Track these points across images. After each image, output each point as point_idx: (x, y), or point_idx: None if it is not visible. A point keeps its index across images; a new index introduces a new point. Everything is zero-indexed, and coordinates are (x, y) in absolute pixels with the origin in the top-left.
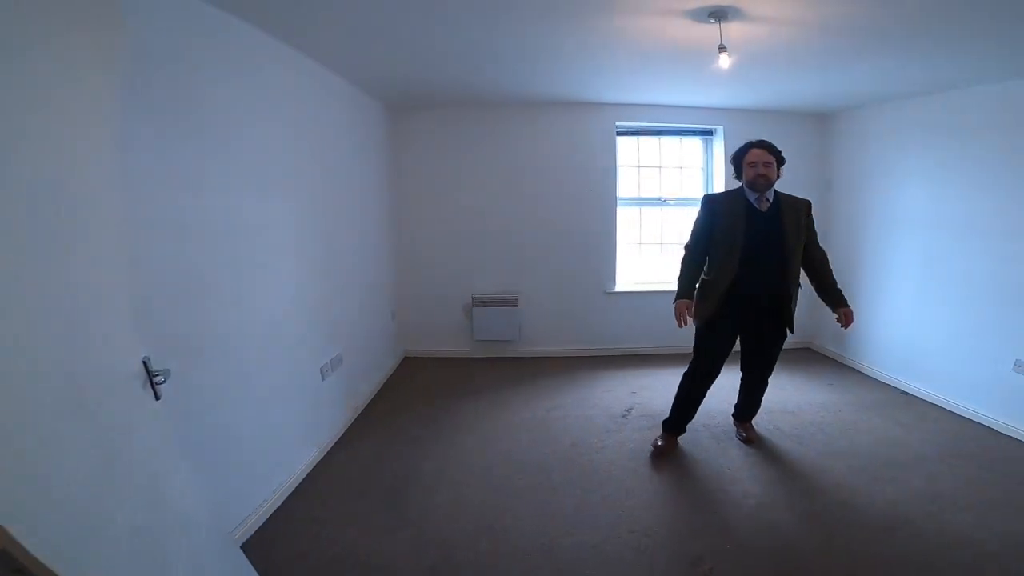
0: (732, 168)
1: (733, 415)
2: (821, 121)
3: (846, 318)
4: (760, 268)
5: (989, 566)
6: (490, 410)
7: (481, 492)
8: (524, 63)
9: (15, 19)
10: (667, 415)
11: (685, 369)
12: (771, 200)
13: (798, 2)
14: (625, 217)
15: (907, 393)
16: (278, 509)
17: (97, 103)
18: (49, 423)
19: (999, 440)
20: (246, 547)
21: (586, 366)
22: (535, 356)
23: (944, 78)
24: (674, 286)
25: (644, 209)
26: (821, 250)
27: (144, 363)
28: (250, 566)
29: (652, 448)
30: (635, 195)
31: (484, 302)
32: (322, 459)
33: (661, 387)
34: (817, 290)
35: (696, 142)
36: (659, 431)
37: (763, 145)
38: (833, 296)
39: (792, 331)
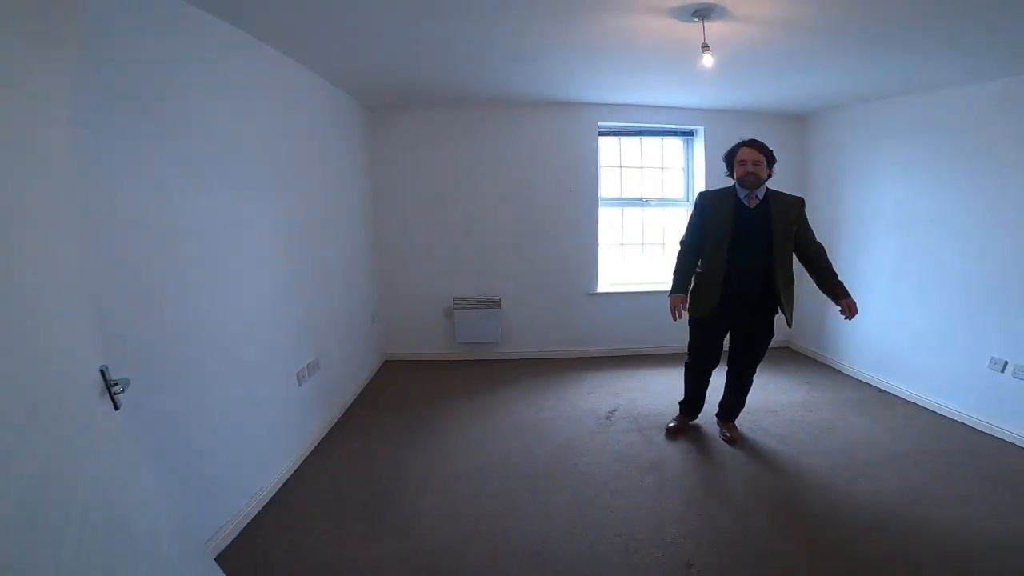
0: (725, 167)
1: (717, 415)
2: (799, 122)
3: (849, 310)
4: (747, 264)
5: (976, 565)
6: (474, 414)
7: (467, 498)
8: (506, 62)
9: None
10: (651, 416)
11: (667, 370)
12: (760, 198)
13: (781, 1)
14: (607, 218)
15: (884, 391)
16: (254, 519)
17: (47, 98)
18: None
19: (976, 437)
20: (221, 559)
21: (569, 368)
22: (518, 358)
23: (917, 80)
24: (655, 287)
25: (626, 209)
26: (817, 245)
27: (102, 372)
28: None
29: (667, 428)
30: (617, 195)
31: (466, 304)
32: (300, 467)
33: (644, 388)
34: (818, 284)
35: (677, 142)
36: (643, 433)
37: (753, 144)
38: (834, 289)
39: (790, 325)
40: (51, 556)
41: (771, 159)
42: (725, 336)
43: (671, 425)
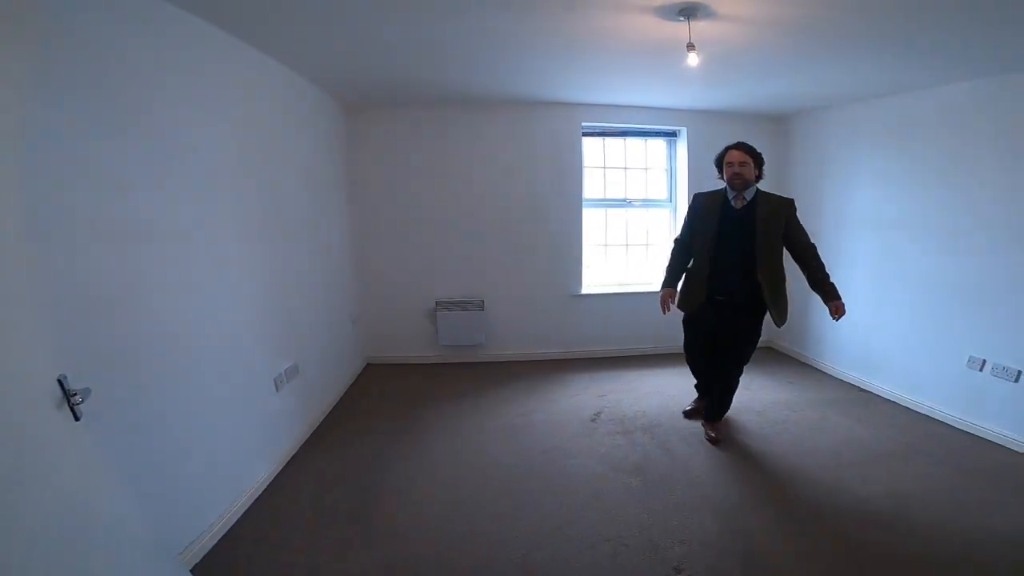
0: (716, 170)
1: (704, 415)
2: (778, 123)
3: (836, 311)
4: (730, 263)
5: (963, 564)
6: (458, 418)
7: (451, 505)
8: (489, 61)
9: None
10: (636, 418)
11: (651, 371)
12: (748, 199)
13: (766, 1)
14: (591, 219)
15: (865, 390)
16: (232, 528)
17: None
18: None
19: (957, 435)
20: (196, 570)
21: (554, 370)
22: (502, 360)
23: (893, 81)
24: (639, 288)
25: (609, 210)
26: (808, 245)
27: (60, 382)
28: None
29: (684, 411)
30: (600, 196)
31: (448, 306)
32: (278, 475)
33: (628, 390)
34: (809, 284)
35: (660, 143)
36: (628, 436)
37: (740, 147)
38: (823, 289)
39: (778, 325)
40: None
41: (758, 160)
42: (712, 334)
43: (688, 408)
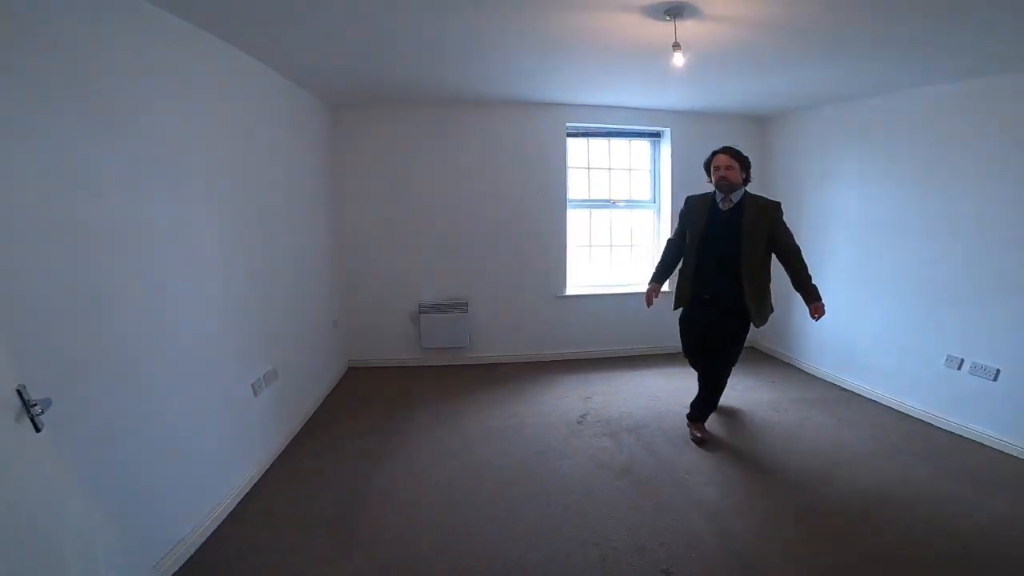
0: (706, 174)
1: (687, 415)
2: (760, 124)
3: (815, 312)
4: (715, 263)
5: (950, 563)
6: (443, 421)
7: (437, 510)
8: (473, 61)
9: None
10: (623, 419)
11: (637, 372)
12: (735, 201)
13: (752, 1)
14: (575, 219)
15: (846, 390)
16: (210, 538)
17: None
18: None
19: (937, 434)
20: None
21: (539, 371)
22: (487, 363)
23: (876, 82)
24: (624, 289)
25: (594, 211)
26: (793, 248)
27: (19, 392)
28: None
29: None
30: (585, 197)
31: (432, 308)
32: (259, 481)
33: (614, 391)
34: (792, 285)
35: (644, 144)
36: (615, 438)
37: (726, 151)
38: (805, 290)
39: (757, 324)
40: None
41: (744, 164)
42: (703, 333)
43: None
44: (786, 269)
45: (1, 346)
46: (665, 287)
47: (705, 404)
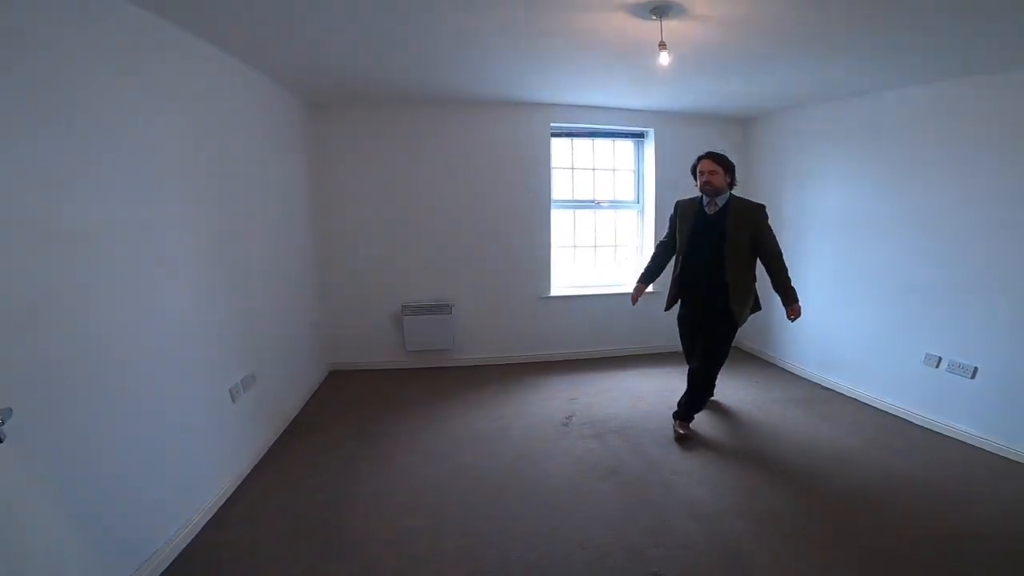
0: (693, 179)
1: (674, 413)
2: (743, 125)
3: (792, 313)
4: (702, 265)
5: (934, 559)
6: (427, 424)
7: (423, 515)
8: (457, 61)
9: None
10: (608, 420)
11: (621, 372)
12: (720, 205)
13: (737, 1)
14: (559, 220)
15: (828, 388)
16: (191, 544)
17: None
18: None
19: (916, 431)
20: None
21: (524, 373)
22: (471, 365)
23: (856, 83)
24: (608, 289)
25: (578, 211)
26: (774, 250)
27: None
28: None
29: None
30: (569, 197)
31: (416, 310)
32: (239, 487)
33: (599, 392)
34: (772, 286)
35: (628, 144)
36: (601, 439)
37: (710, 156)
38: (783, 293)
39: (735, 322)
40: None
41: (728, 168)
42: (695, 331)
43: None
44: (767, 270)
45: None
46: (651, 288)
47: (690, 403)
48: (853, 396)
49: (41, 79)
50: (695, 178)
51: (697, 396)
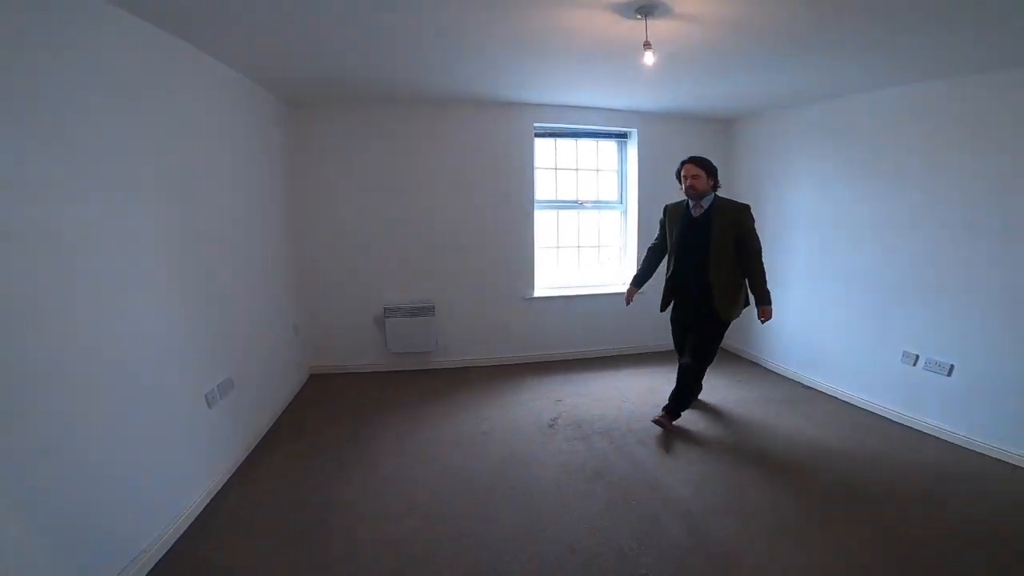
0: (678, 182)
1: (664, 406)
2: (724, 125)
3: (762, 314)
4: (689, 265)
5: (918, 558)
6: (412, 428)
7: (409, 520)
8: (439, 60)
9: None
10: (594, 422)
11: (606, 373)
12: (706, 206)
13: (721, 1)
14: (542, 220)
15: (809, 387)
16: (167, 554)
17: None
18: None
19: (895, 429)
20: None
21: (508, 375)
22: (455, 367)
23: (836, 84)
24: (591, 290)
25: (561, 212)
26: (753, 251)
27: None
28: None
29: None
30: (552, 198)
31: (398, 312)
32: (218, 495)
33: (584, 393)
34: (748, 286)
35: (611, 145)
36: (587, 441)
37: (692, 160)
38: (757, 293)
39: (720, 318)
40: None
41: (710, 171)
42: (688, 329)
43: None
44: (744, 269)
45: None
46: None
47: (677, 396)
48: (834, 394)
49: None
50: (680, 182)
51: (685, 391)
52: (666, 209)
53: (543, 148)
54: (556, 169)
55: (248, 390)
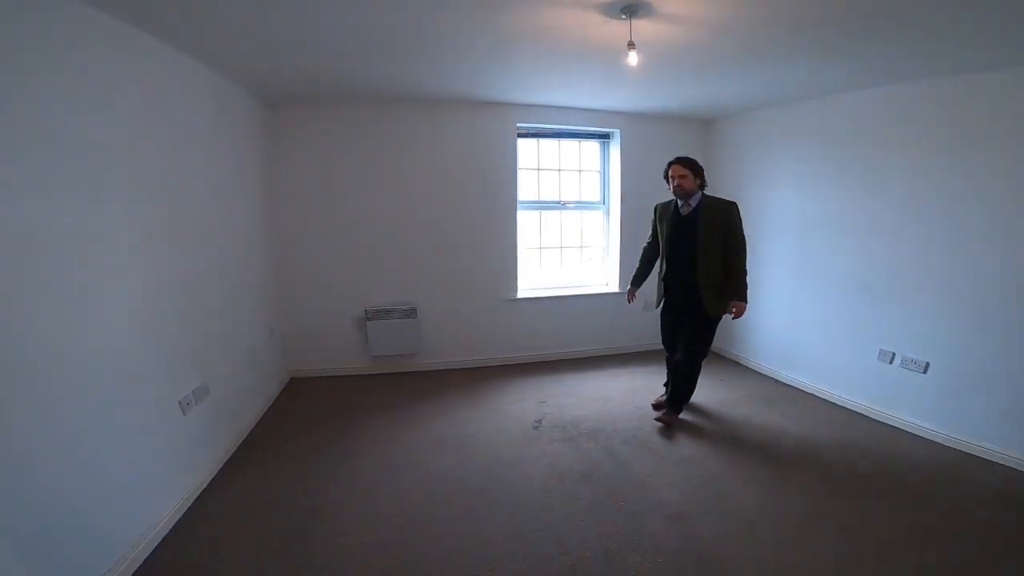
0: (665, 183)
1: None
2: (705, 126)
3: (734, 309)
4: (679, 262)
5: (916, 559)
6: (394, 432)
7: (395, 526)
8: (421, 59)
9: None
10: (579, 423)
11: (590, 373)
12: (693, 205)
13: (705, 2)
14: (525, 221)
15: (789, 385)
16: (143, 565)
17: None
18: None
19: (873, 426)
20: None
21: (492, 377)
22: (438, 369)
23: (816, 85)
24: (575, 291)
25: (544, 213)
26: (735, 248)
27: None
28: None
29: (653, 403)
30: (535, 198)
31: (379, 314)
32: (195, 504)
33: (569, 394)
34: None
35: (594, 145)
36: (572, 442)
37: (679, 161)
38: (732, 287)
39: (709, 314)
40: None
41: (696, 171)
42: (681, 325)
43: (656, 401)
44: (726, 264)
45: None
46: (618, 287)
47: (673, 393)
48: (814, 392)
49: None
50: (668, 183)
51: (681, 386)
52: (656, 208)
53: (526, 148)
54: (539, 170)
55: (224, 395)
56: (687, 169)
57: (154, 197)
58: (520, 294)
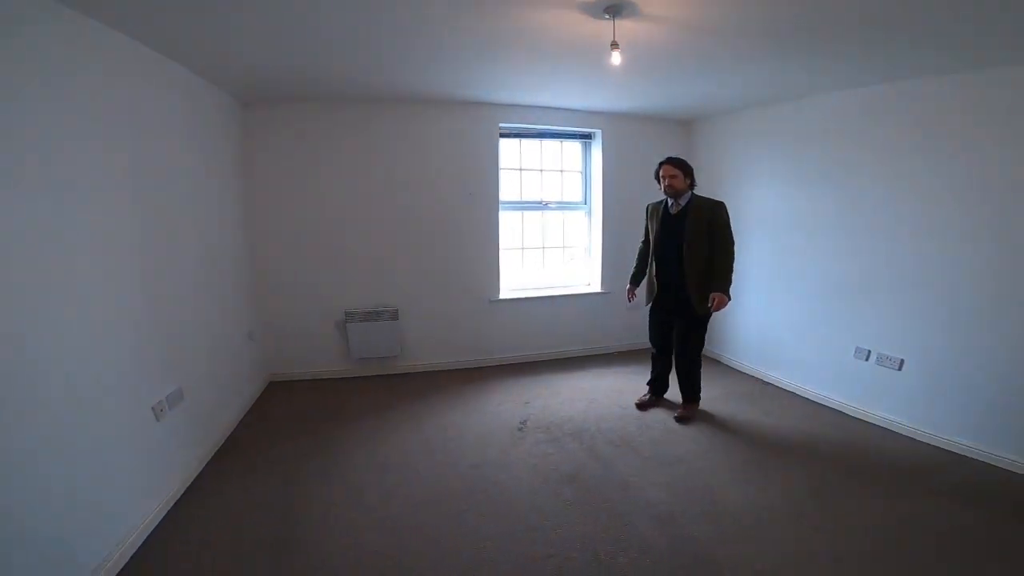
0: (656, 182)
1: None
2: (685, 126)
3: (714, 300)
4: (669, 260)
5: (898, 553)
6: (377, 435)
7: (380, 531)
8: (402, 59)
9: None
10: (564, 423)
11: (574, 374)
12: (683, 204)
13: (688, 3)
14: (507, 221)
15: (768, 383)
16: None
17: None
18: None
19: (851, 423)
20: None
21: (475, 378)
22: (421, 371)
23: (792, 86)
24: (557, 291)
25: (525, 213)
26: (720, 246)
27: None
28: None
29: (636, 403)
30: (517, 199)
31: (360, 316)
32: (171, 512)
33: (553, 394)
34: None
35: (576, 145)
36: (557, 443)
37: (669, 161)
38: (714, 279)
39: (696, 312)
40: None
41: (686, 171)
42: (666, 322)
43: (639, 400)
44: (712, 261)
45: None
46: (602, 288)
47: (681, 388)
48: (792, 390)
49: None
50: (659, 182)
51: (684, 381)
52: (648, 208)
53: (508, 148)
54: (521, 170)
55: (200, 400)
56: (677, 169)
57: (126, 195)
58: (503, 295)
